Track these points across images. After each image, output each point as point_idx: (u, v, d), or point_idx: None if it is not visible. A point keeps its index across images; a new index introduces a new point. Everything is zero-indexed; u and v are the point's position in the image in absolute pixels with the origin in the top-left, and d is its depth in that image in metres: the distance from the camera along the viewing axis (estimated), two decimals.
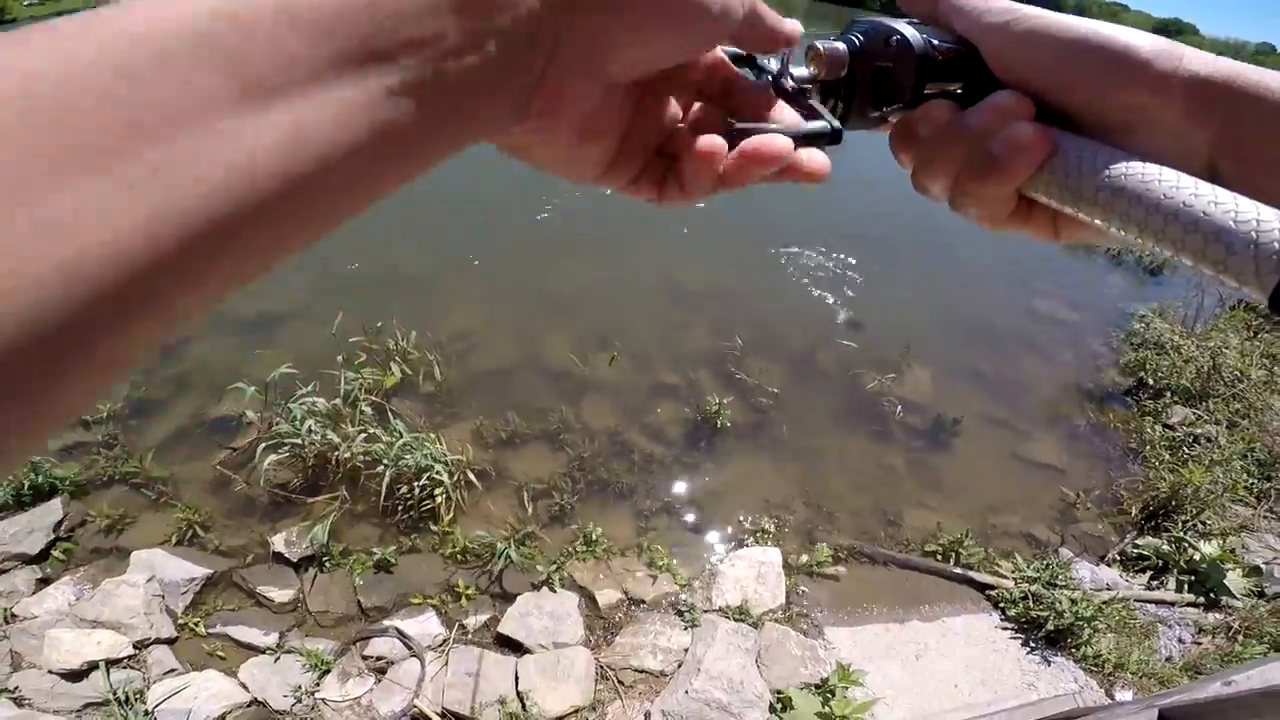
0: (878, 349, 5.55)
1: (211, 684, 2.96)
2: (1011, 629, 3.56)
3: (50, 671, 2.89)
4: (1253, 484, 4.56)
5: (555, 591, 3.48)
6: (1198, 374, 5.44)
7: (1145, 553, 4.05)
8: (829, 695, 3.05)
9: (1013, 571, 3.80)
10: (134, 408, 4.18)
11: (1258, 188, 0.35)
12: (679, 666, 3.22)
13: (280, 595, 3.37)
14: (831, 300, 6.12)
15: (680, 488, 4.24)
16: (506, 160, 0.40)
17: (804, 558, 3.82)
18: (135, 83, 0.20)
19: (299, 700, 2.94)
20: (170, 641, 3.15)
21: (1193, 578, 3.89)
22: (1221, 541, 4.03)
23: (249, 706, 2.93)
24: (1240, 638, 3.55)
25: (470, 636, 3.30)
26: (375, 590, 3.45)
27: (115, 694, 2.85)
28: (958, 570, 3.83)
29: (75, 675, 2.90)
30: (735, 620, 3.42)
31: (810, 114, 0.43)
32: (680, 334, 5.49)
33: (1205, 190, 0.34)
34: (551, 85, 0.33)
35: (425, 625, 3.29)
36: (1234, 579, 3.79)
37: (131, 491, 3.75)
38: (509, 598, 3.46)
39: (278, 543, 3.53)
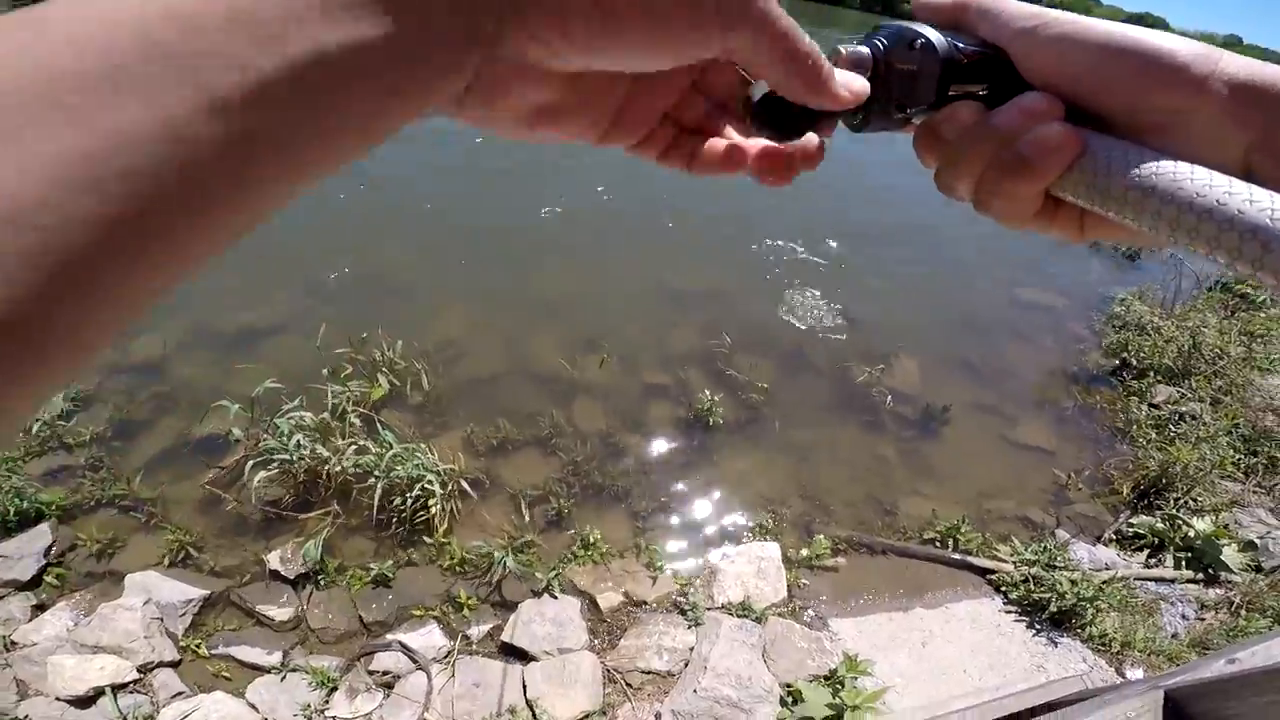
0: (865, 341, 5.58)
1: (221, 706, 2.92)
2: (1015, 612, 3.57)
3: (58, 699, 2.84)
4: (1240, 459, 4.62)
5: (556, 597, 3.45)
6: (1179, 353, 5.51)
7: (1141, 531, 4.08)
8: (838, 686, 3.05)
9: (1011, 555, 3.82)
10: (117, 429, 4.11)
11: None
12: (685, 666, 3.20)
13: (280, 613, 3.32)
14: (818, 294, 6.13)
15: (676, 487, 4.23)
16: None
17: (803, 551, 3.82)
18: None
19: (310, 719, 2.90)
20: (174, 664, 3.11)
21: (1189, 554, 3.93)
22: (1214, 518, 4.08)
23: None
24: (1243, 612, 3.59)
25: (474, 647, 3.27)
26: (375, 604, 3.41)
27: (125, 719, 2.81)
28: (956, 556, 3.84)
29: (83, 701, 2.86)
30: (738, 616, 3.41)
31: None
32: (669, 333, 5.48)
33: (1240, 189, 0.34)
34: (485, 81, 0.31)
35: (428, 638, 3.26)
36: (1230, 554, 3.83)
37: (120, 514, 3.68)
38: (510, 606, 3.43)
39: (273, 560, 3.48)
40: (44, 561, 3.39)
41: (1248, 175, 0.37)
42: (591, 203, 7.53)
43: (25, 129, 0.19)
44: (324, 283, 5.47)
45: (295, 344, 4.69)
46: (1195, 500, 4.27)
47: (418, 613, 3.38)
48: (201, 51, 0.21)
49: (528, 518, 3.88)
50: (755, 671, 3.14)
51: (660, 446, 4.48)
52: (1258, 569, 3.85)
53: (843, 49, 0.44)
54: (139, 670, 3.00)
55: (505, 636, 3.27)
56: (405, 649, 3.17)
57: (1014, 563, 3.76)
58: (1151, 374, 5.42)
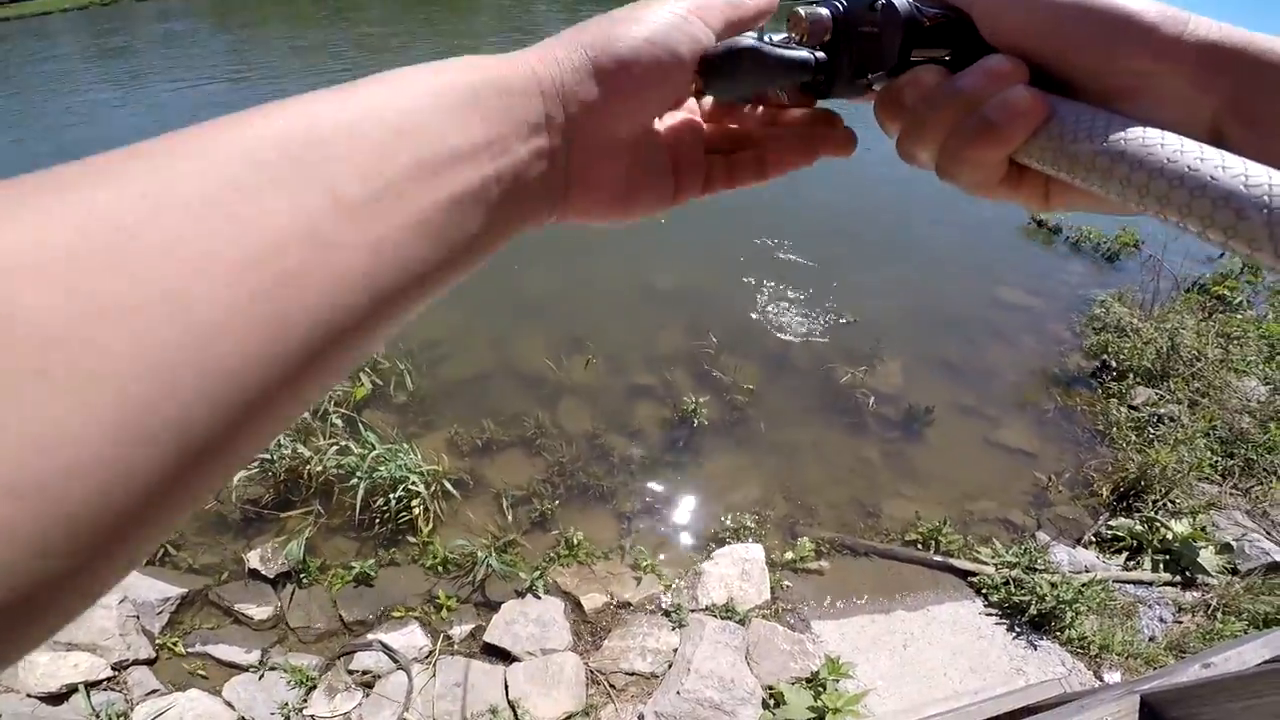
0: (848, 342, 5.59)
1: (196, 704, 2.90)
2: (995, 615, 3.59)
3: (30, 695, 2.81)
4: (1217, 461, 4.66)
5: (540, 598, 3.45)
6: (1158, 355, 5.55)
7: (1120, 533, 4.11)
8: (820, 689, 3.06)
9: (993, 557, 3.84)
10: None
11: (1267, 150, 0.34)
12: (669, 667, 3.20)
13: (259, 612, 3.30)
14: (801, 295, 6.14)
15: (660, 488, 4.23)
16: None
17: (787, 553, 3.83)
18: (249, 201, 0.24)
19: (287, 718, 2.88)
20: (149, 662, 3.08)
21: (1167, 557, 3.96)
22: (1192, 520, 4.11)
23: None
24: (1219, 615, 3.63)
25: (456, 647, 3.26)
26: (356, 604, 3.39)
27: (98, 716, 2.80)
28: (938, 558, 3.86)
29: (55, 698, 2.84)
30: (722, 618, 3.41)
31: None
32: (655, 334, 5.47)
33: (1212, 154, 0.33)
34: (578, 166, 0.39)
35: (409, 637, 3.24)
36: (1207, 556, 3.87)
37: None
38: (493, 606, 3.42)
39: (253, 559, 3.46)
40: None
41: (1217, 139, 0.37)
42: None
43: None
44: None
45: None
46: (1173, 502, 4.31)
47: (399, 612, 3.36)
48: None
49: (511, 518, 3.87)
50: (738, 673, 3.14)
51: (645, 448, 4.47)
52: (1234, 571, 3.89)
53: (801, 10, 0.43)
54: (113, 668, 2.97)
55: (488, 637, 3.26)
56: (386, 648, 3.16)
57: (995, 565, 3.78)
58: (1131, 376, 5.45)
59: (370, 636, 3.23)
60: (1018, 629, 3.52)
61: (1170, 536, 3.97)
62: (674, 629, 3.37)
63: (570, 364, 5.01)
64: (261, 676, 3.03)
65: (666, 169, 0.46)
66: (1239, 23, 0.38)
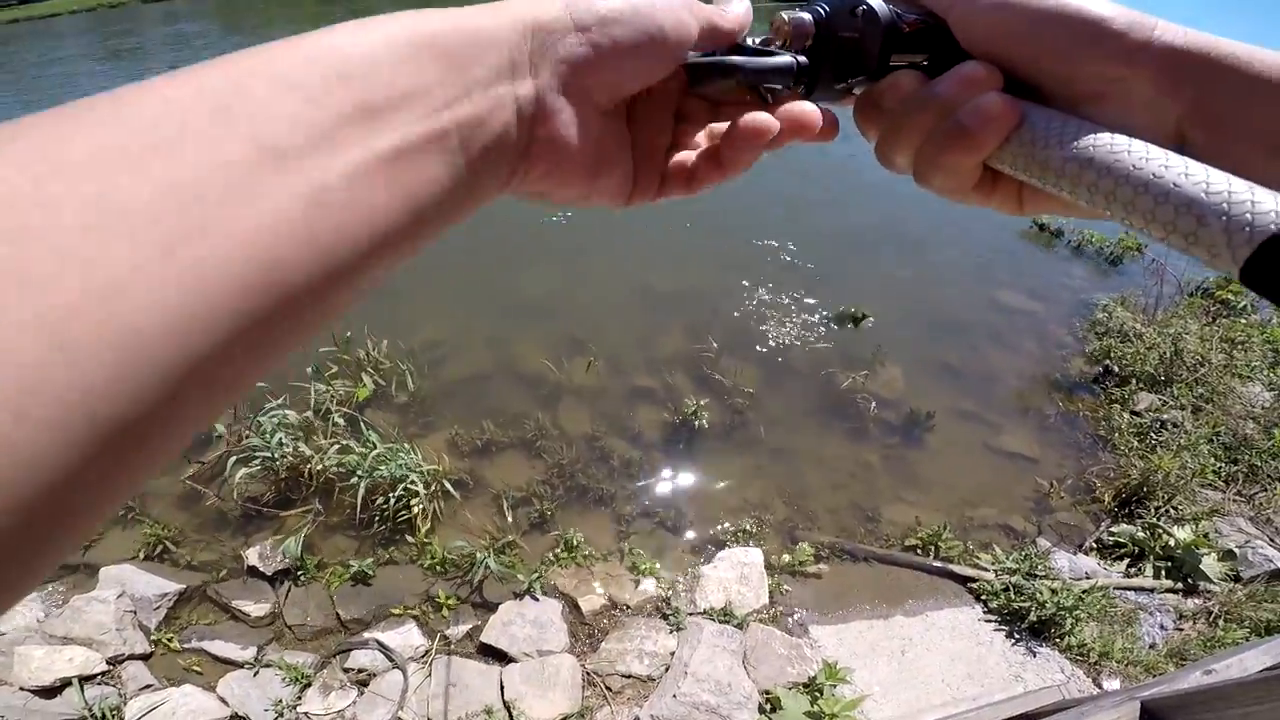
0: (849, 346, 5.57)
1: (190, 699, 2.90)
2: (995, 621, 3.57)
3: (22, 688, 2.82)
4: (1220, 468, 4.63)
5: (537, 599, 3.44)
6: (1161, 360, 5.52)
7: (1121, 540, 4.09)
8: (817, 694, 3.05)
9: (992, 563, 3.82)
10: None
11: (1229, 156, 0.35)
12: (666, 670, 3.19)
13: (256, 609, 3.31)
14: (803, 299, 6.13)
15: (660, 491, 4.22)
16: None
17: (785, 557, 3.82)
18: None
19: (280, 715, 2.89)
20: (145, 657, 3.09)
21: (1169, 564, 3.93)
22: (1194, 526, 4.08)
23: None
24: (1221, 622, 3.60)
25: (453, 647, 3.25)
26: (354, 602, 3.39)
27: (91, 710, 2.80)
28: (938, 564, 3.84)
29: (49, 692, 2.85)
30: (720, 622, 3.40)
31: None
32: (656, 337, 5.46)
33: (1176, 162, 0.34)
34: (545, 118, 0.37)
35: (406, 637, 3.24)
36: (1209, 563, 3.84)
37: None
38: (490, 607, 3.42)
39: (251, 556, 3.46)
40: None
41: (1181, 143, 0.38)
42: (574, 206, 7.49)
43: None
44: None
45: None
46: (1176, 509, 4.28)
47: (396, 612, 3.36)
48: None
49: (510, 519, 3.87)
50: (735, 678, 3.13)
51: (645, 450, 4.46)
52: (1236, 579, 3.86)
53: (784, 15, 0.44)
54: (109, 662, 2.99)
55: (484, 637, 3.26)
56: (382, 647, 3.16)
57: (995, 571, 3.77)
58: (1134, 381, 5.43)
59: (367, 635, 3.23)
60: (1017, 635, 3.50)
61: (1172, 543, 3.95)
62: (671, 632, 3.36)
63: (571, 366, 5.00)
64: (256, 673, 3.04)
65: (629, 156, 0.45)
66: (1217, 22, 0.37)
